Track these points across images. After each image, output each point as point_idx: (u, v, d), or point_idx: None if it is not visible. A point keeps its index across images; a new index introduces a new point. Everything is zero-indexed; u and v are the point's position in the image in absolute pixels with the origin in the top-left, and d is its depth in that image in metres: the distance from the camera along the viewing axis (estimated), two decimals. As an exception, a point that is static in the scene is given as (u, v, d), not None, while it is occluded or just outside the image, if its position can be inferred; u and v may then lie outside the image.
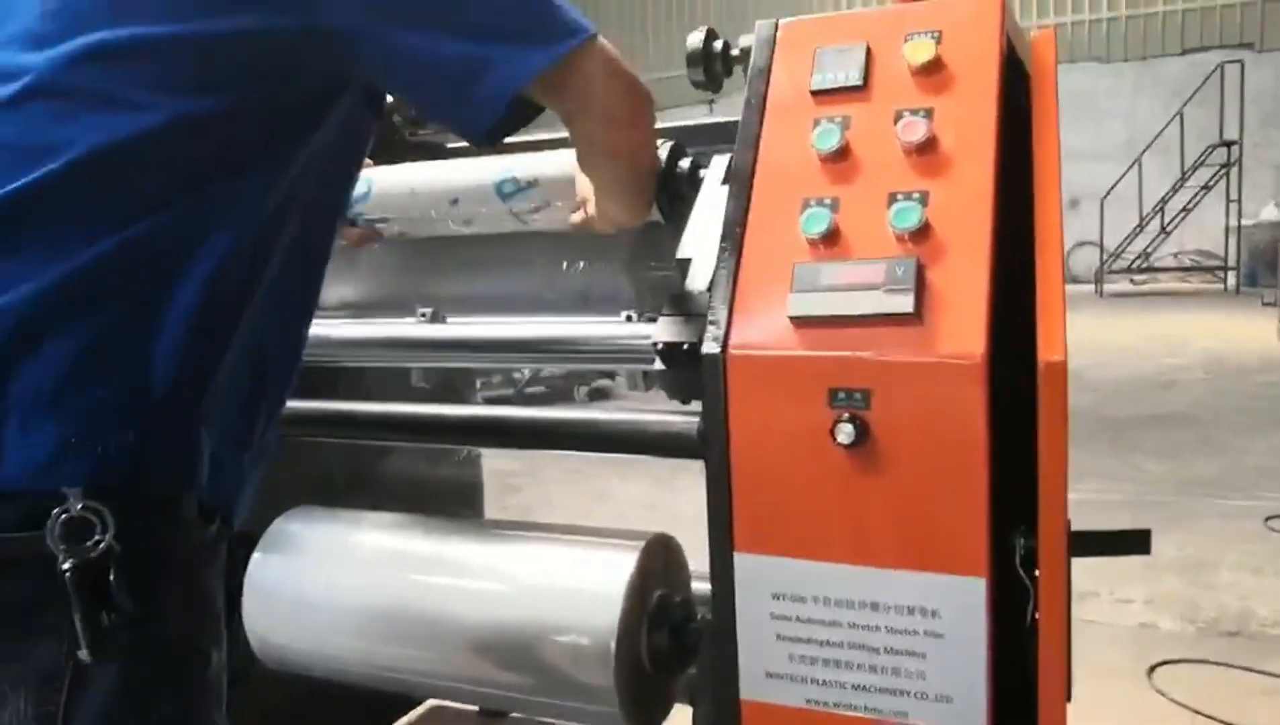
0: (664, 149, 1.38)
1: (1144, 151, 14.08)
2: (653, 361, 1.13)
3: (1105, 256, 14.72)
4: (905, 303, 0.93)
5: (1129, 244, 14.80)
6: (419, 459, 1.87)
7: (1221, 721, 2.42)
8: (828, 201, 1.02)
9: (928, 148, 1.00)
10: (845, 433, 0.93)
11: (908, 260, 0.95)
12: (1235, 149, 13.53)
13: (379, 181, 1.51)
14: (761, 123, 1.10)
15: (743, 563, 1.01)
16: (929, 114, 1.02)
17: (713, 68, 1.62)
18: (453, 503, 2.03)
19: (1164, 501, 4.02)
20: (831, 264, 0.98)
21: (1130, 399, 6.25)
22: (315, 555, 1.45)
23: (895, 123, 1.03)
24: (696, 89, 1.66)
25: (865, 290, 0.95)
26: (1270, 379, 6.70)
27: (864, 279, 0.96)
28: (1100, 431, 5.23)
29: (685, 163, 1.37)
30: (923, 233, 0.96)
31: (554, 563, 1.32)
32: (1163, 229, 14.41)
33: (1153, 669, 2.69)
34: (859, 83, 1.07)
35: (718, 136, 1.70)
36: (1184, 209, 14.08)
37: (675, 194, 1.36)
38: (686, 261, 1.23)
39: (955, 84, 1.03)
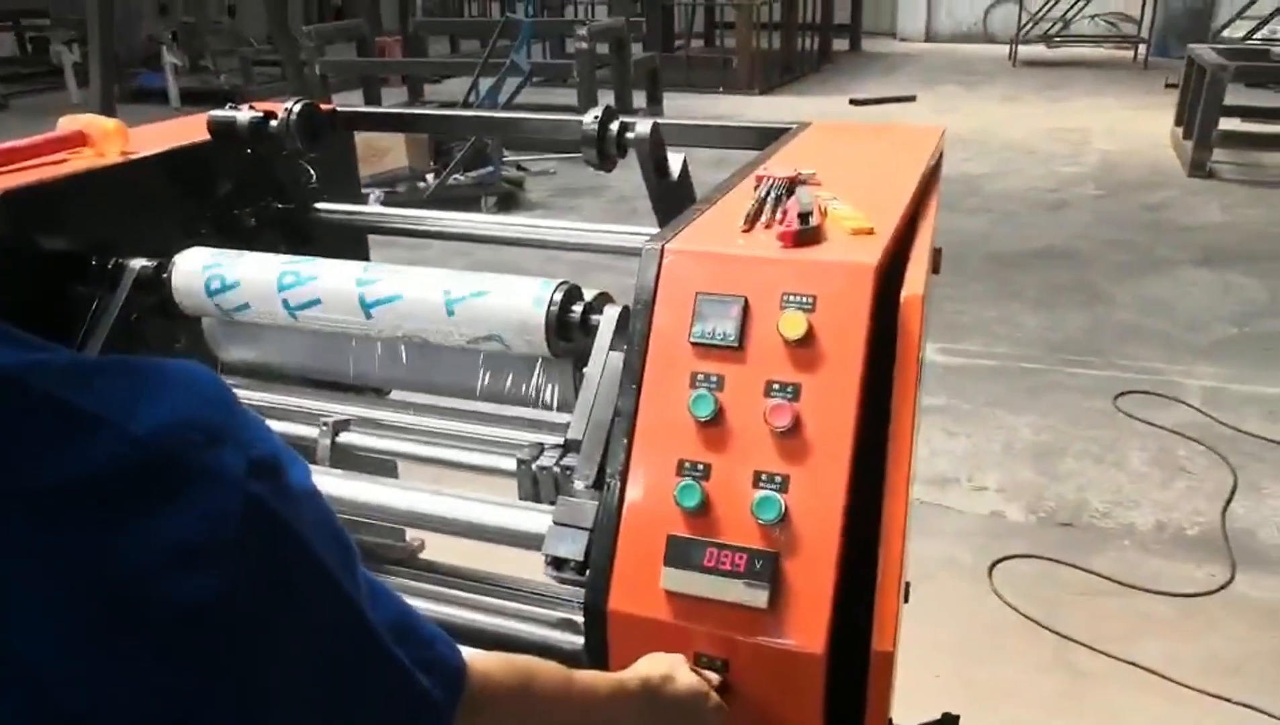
0: (559, 291, 1.42)
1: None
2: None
3: (1025, 20, 14.59)
4: (761, 598, 1.06)
5: (1050, 9, 14.66)
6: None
7: (1037, 623, 2.83)
8: (700, 467, 1.11)
9: (792, 431, 1.09)
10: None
11: (767, 554, 1.07)
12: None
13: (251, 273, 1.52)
14: (644, 365, 1.16)
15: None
16: (796, 392, 1.10)
17: (606, 150, 1.63)
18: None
19: (1032, 369, 4.34)
20: (701, 544, 1.09)
21: (1018, 226, 6.49)
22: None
23: (766, 394, 1.11)
24: (591, 167, 1.66)
25: (729, 577, 1.07)
26: (1152, 200, 7.00)
27: (728, 565, 1.08)
28: (985, 273, 5.50)
29: (578, 308, 1.41)
30: (782, 523, 1.07)
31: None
32: (1083, -8, 14.30)
33: (993, 566, 3.08)
34: (735, 343, 1.13)
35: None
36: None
37: (565, 337, 1.42)
38: (577, 443, 1.32)
39: (824, 362, 1.10)
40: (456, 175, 6.57)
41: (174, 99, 11.59)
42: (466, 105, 8.06)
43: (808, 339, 1.11)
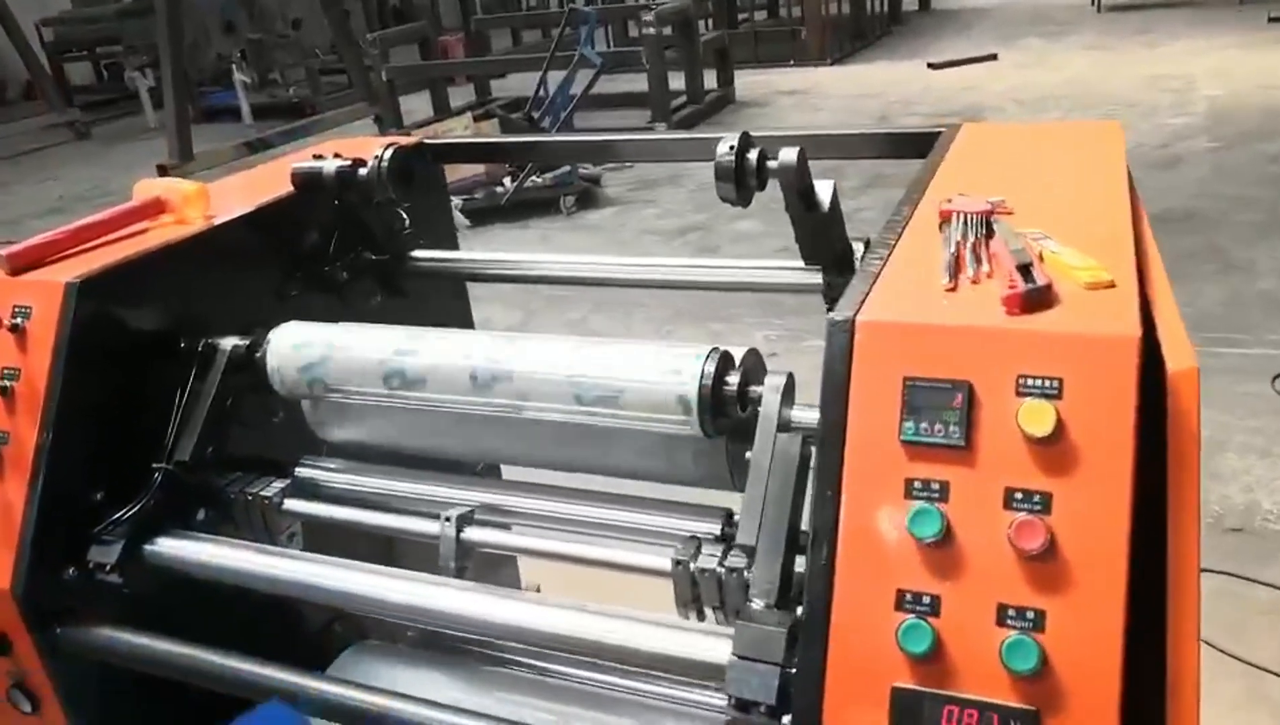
0: (710, 361, 1.21)
1: None
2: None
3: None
4: (1023, 772, 0.84)
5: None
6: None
7: (1220, 649, 2.53)
8: (927, 600, 0.90)
9: (1046, 554, 0.87)
10: None
11: (1024, 713, 0.85)
12: None
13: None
14: (842, 467, 0.94)
15: None
16: (1047, 503, 0.87)
17: (746, 182, 1.41)
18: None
19: (1170, 351, 3.98)
20: (936, 699, 0.87)
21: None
22: None
23: (1006, 505, 0.89)
24: (725, 203, 1.45)
25: (976, 743, 0.86)
26: (1274, 149, 6.47)
27: (974, 729, 0.86)
28: (1104, 244, 5.10)
29: (734, 378, 1.20)
30: (1040, 673, 0.85)
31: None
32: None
33: (1159, 583, 2.78)
34: (960, 442, 0.90)
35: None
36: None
37: (720, 413, 1.21)
38: (752, 549, 1.11)
39: (1080, 464, 0.87)
40: (534, 178, 6.40)
41: (246, 115, 11.68)
42: (536, 101, 7.88)
43: (1057, 435, 0.88)
